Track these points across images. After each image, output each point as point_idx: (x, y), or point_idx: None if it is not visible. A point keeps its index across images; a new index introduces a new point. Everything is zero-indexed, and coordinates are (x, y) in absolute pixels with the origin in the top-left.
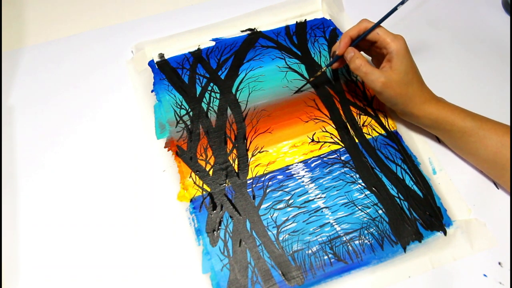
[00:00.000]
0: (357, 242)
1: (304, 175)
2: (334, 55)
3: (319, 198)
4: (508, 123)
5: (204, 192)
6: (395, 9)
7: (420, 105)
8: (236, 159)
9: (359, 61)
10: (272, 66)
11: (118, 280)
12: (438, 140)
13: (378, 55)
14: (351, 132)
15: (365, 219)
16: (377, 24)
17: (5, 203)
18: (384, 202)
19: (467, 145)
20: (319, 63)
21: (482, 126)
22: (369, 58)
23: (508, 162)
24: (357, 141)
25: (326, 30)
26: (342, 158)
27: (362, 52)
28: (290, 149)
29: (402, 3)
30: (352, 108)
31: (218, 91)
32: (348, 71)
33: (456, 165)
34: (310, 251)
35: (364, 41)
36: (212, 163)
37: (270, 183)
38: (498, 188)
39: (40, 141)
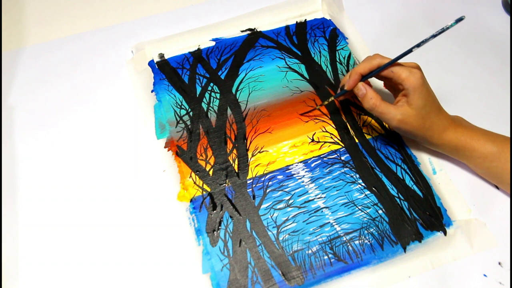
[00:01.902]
0: (357, 242)
1: (304, 175)
2: (343, 88)
3: (319, 198)
4: (508, 124)
5: (204, 192)
6: (410, 50)
7: (438, 135)
8: (236, 159)
9: (373, 102)
10: (272, 66)
11: (118, 280)
12: None
13: (392, 87)
14: (351, 132)
15: (365, 219)
16: (391, 63)
17: (5, 203)
18: (384, 202)
19: (489, 170)
20: (319, 63)
21: (503, 150)
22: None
23: None
24: (357, 141)
25: (326, 30)
26: (342, 158)
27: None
28: (290, 149)
29: (418, 45)
30: (352, 108)
31: (218, 91)
32: (348, 71)
33: (456, 165)
34: (310, 251)
35: (377, 77)
36: (212, 163)
37: (270, 183)
38: (498, 188)
39: (40, 141)
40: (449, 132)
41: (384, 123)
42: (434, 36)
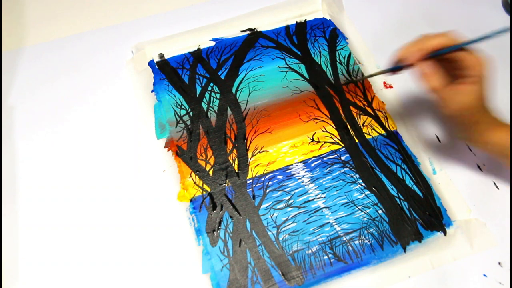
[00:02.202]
0: (357, 242)
1: (304, 175)
2: (398, 62)
3: (319, 198)
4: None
5: (204, 192)
6: (492, 35)
7: (490, 131)
8: (236, 159)
9: (439, 83)
10: (272, 66)
11: (118, 280)
12: (438, 140)
13: (451, 71)
14: (351, 132)
15: (365, 219)
16: (467, 43)
17: (5, 203)
18: (384, 202)
19: None
20: (319, 63)
21: None
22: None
23: None
24: (357, 141)
25: (326, 30)
26: (342, 158)
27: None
28: (290, 149)
29: (502, 31)
30: (352, 108)
31: (218, 91)
32: (348, 71)
33: (456, 165)
34: (310, 251)
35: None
36: (212, 163)
37: (270, 183)
38: (498, 188)
39: (40, 141)
40: (502, 130)
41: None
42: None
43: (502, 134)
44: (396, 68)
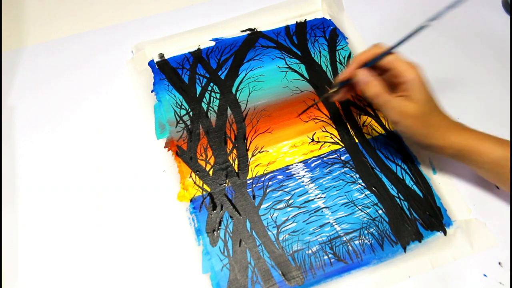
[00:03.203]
0: (357, 242)
1: (304, 175)
2: (338, 81)
3: (319, 198)
4: (508, 124)
5: (204, 192)
6: (411, 34)
7: (442, 135)
8: (236, 159)
9: (378, 89)
10: (272, 66)
11: (118, 280)
12: None
13: (387, 82)
14: (351, 132)
15: (365, 219)
16: (392, 49)
17: (5, 203)
18: (384, 202)
19: (498, 176)
20: (319, 63)
21: None
22: None
23: None
24: (357, 141)
25: (326, 30)
26: (342, 158)
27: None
28: (290, 149)
29: (420, 28)
30: (352, 108)
31: (218, 91)
32: None
33: (456, 165)
34: (310, 251)
35: (374, 68)
36: (212, 163)
37: (270, 183)
38: (498, 188)
39: (40, 141)
40: (454, 134)
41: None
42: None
43: (458, 136)
44: (342, 85)
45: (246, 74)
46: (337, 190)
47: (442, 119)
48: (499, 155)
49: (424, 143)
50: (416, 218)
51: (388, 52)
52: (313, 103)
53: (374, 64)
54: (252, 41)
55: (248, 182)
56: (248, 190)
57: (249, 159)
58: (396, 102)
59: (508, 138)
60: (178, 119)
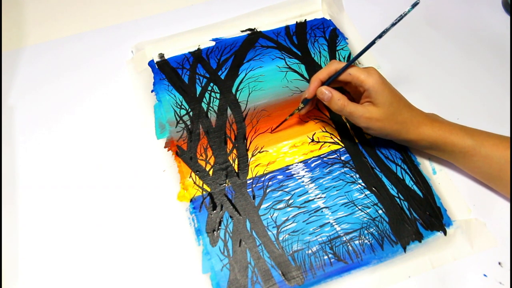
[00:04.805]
0: (357, 242)
1: (304, 175)
2: (302, 100)
3: (319, 198)
4: (508, 124)
5: (204, 192)
6: (366, 48)
7: (414, 130)
8: (236, 159)
9: (341, 102)
10: (272, 66)
11: (118, 280)
12: None
13: (353, 92)
14: (351, 132)
15: (365, 219)
16: (348, 65)
17: (5, 203)
18: (384, 202)
19: (470, 164)
20: (319, 63)
21: (483, 143)
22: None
23: None
24: (357, 141)
25: (326, 30)
26: (342, 158)
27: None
28: (290, 149)
29: (380, 37)
30: None
31: (218, 91)
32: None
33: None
34: (310, 251)
35: (336, 82)
36: (212, 163)
37: (270, 183)
38: None
39: (40, 141)
40: (426, 127)
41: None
42: (393, 24)
43: (430, 128)
44: (307, 102)
45: (246, 74)
46: (337, 190)
47: (412, 114)
48: (470, 144)
49: (399, 139)
50: (416, 218)
51: (346, 68)
52: (284, 119)
53: (335, 80)
54: (252, 41)
55: (248, 182)
56: (248, 190)
57: (249, 159)
58: (361, 110)
59: (509, 138)
60: (178, 119)
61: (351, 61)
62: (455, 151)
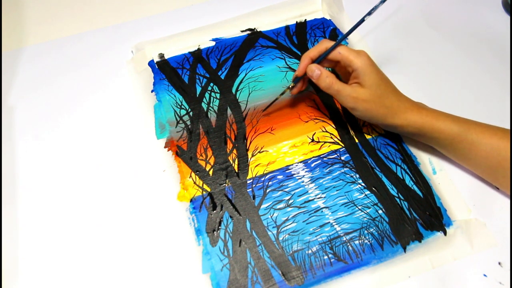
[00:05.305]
0: (357, 242)
1: (304, 175)
2: (293, 78)
3: (319, 198)
4: (508, 124)
5: (204, 192)
6: (356, 25)
7: (401, 115)
8: (236, 159)
9: (330, 79)
10: (272, 66)
11: (118, 280)
12: None
13: (343, 73)
14: (351, 132)
15: (365, 219)
16: (338, 43)
17: (5, 203)
18: (384, 202)
19: (457, 151)
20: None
21: (470, 131)
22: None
23: (500, 164)
24: (357, 141)
25: (326, 30)
26: (342, 158)
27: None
28: (290, 149)
29: (369, 14)
30: None
31: (218, 91)
32: None
33: (456, 165)
34: (310, 251)
35: (326, 61)
36: (212, 163)
37: (270, 183)
38: (498, 188)
39: (40, 141)
40: (413, 113)
41: (339, 104)
42: (383, 1)
43: (417, 115)
44: (297, 81)
45: (246, 74)
46: (337, 190)
47: (400, 99)
48: (456, 131)
49: (385, 123)
50: (416, 218)
51: (336, 45)
52: (275, 98)
53: (326, 58)
54: (252, 41)
55: (248, 182)
56: (248, 190)
57: (249, 159)
58: (348, 89)
59: (496, 128)
60: (178, 119)
61: (341, 39)
62: (441, 138)
